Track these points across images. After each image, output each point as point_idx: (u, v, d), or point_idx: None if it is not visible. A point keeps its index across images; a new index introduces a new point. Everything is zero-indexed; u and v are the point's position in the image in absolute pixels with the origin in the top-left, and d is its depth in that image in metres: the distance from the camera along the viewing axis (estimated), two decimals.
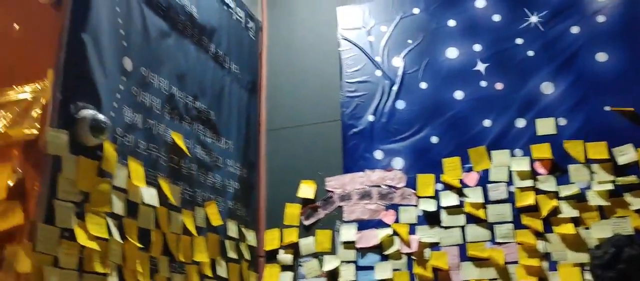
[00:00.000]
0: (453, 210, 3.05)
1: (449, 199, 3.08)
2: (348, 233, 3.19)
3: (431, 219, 3.09)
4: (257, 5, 3.83)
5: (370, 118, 3.37)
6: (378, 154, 3.31)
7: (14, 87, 2.07)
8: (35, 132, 1.95)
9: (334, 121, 3.44)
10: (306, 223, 3.31)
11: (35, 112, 1.98)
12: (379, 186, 3.24)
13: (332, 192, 3.32)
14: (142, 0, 2.59)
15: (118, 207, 2.25)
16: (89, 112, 2.11)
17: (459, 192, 3.07)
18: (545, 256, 2.81)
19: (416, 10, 3.48)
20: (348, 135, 3.39)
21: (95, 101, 2.19)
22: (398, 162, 3.26)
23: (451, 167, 3.14)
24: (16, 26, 2.17)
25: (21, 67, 2.10)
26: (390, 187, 3.22)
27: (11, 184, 1.89)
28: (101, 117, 2.14)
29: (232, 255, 3.02)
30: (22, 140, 1.95)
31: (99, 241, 2.08)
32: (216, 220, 2.92)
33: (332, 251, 3.20)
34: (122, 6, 2.43)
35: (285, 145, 3.53)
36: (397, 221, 3.14)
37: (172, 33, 2.80)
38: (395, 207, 3.18)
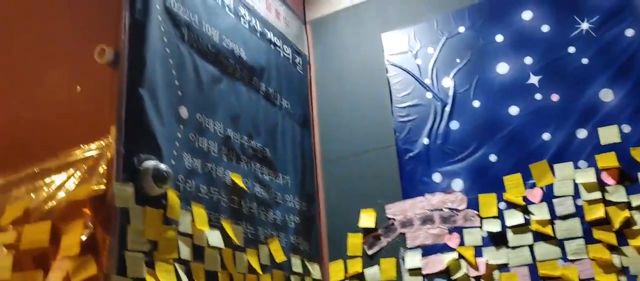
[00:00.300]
0: (519, 228, 2.96)
1: (514, 218, 2.99)
2: (413, 259, 3.15)
3: (497, 240, 3.01)
4: (303, 40, 3.89)
5: (425, 141, 3.34)
6: (436, 177, 3.26)
7: (81, 145, 2.17)
8: (102, 187, 2.03)
9: (389, 147, 3.43)
10: (369, 252, 3.28)
11: (102, 168, 2.06)
12: (441, 209, 3.19)
13: (393, 218, 3.29)
14: (193, 49, 2.68)
15: (185, 252, 2.30)
16: (151, 163, 2.19)
17: (524, 210, 2.98)
18: (623, 270, 2.68)
19: (461, 29, 3.45)
20: (404, 160, 3.37)
21: (156, 151, 2.27)
22: (457, 184, 3.20)
23: (513, 185, 3.06)
24: (78, 88, 2.28)
25: (85, 126, 2.21)
26: (451, 209, 3.16)
27: (84, 239, 1.97)
28: (163, 166, 2.21)
29: None
30: (91, 196, 2.04)
31: None
32: (280, 257, 2.94)
33: (398, 280, 3.15)
34: (174, 58, 2.52)
35: (342, 175, 3.53)
36: (462, 244, 3.07)
37: (224, 77, 2.88)
38: (458, 230, 3.11)
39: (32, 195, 2.16)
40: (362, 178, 3.45)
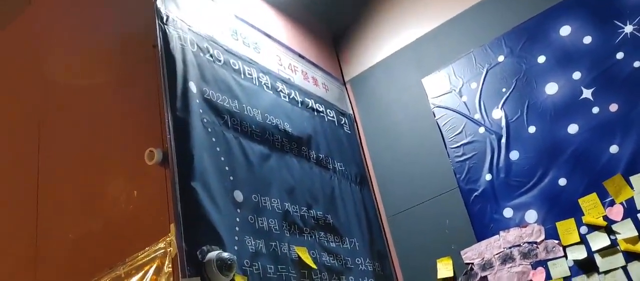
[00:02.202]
0: (607, 251, 2.77)
1: (599, 241, 2.81)
2: None
3: (586, 267, 2.82)
4: (345, 100, 3.91)
5: (488, 177, 3.23)
6: (507, 212, 3.13)
7: (145, 248, 2.22)
8: None
9: (452, 190, 3.34)
10: None
11: (168, 268, 2.09)
12: (519, 245, 3.03)
13: (471, 263, 3.15)
14: (238, 133, 2.73)
15: None
16: (213, 254, 2.20)
17: (608, 230, 2.80)
18: None
19: (501, 58, 3.38)
20: (470, 200, 3.25)
21: (217, 240, 2.28)
22: (531, 215, 3.05)
23: (591, 206, 2.89)
24: (135, 192, 2.36)
25: (147, 228, 2.26)
26: (530, 243, 3.01)
27: None
28: (226, 255, 2.22)
29: None
30: None
31: None
32: None
33: None
34: (221, 145, 2.57)
35: (410, 228, 3.44)
36: (549, 278, 2.90)
37: (272, 153, 2.91)
38: (542, 264, 2.94)
39: None
40: (431, 227, 3.35)
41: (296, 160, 3.08)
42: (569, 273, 2.85)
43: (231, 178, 2.55)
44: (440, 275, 3.21)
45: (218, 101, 2.70)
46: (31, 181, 2.91)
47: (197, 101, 2.55)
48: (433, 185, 3.42)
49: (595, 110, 2.99)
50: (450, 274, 3.19)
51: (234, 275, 2.24)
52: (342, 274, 2.97)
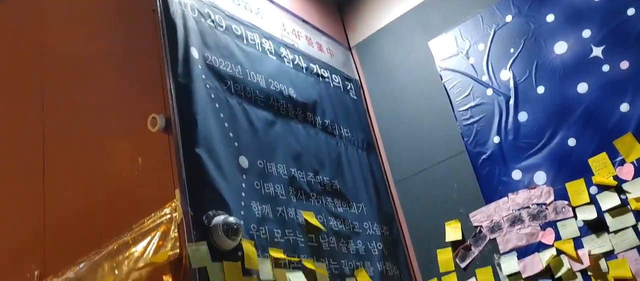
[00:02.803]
0: (617, 210, 2.75)
1: (609, 200, 2.78)
2: (510, 264, 2.97)
3: (596, 227, 2.80)
4: (351, 66, 3.86)
5: (496, 139, 3.19)
6: (516, 174, 3.10)
7: (151, 214, 2.21)
8: (177, 251, 2.05)
9: (460, 154, 3.31)
10: (462, 265, 3.13)
11: (173, 233, 2.09)
12: (528, 207, 3.01)
13: (479, 226, 3.13)
14: (241, 99, 2.71)
15: None
16: (219, 218, 2.19)
17: (618, 190, 2.77)
18: None
19: (509, 18, 3.31)
20: (478, 163, 3.23)
21: (223, 206, 2.28)
22: (540, 177, 3.02)
23: (601, 165, 2.85)
24: (139, 159, 2.34)
25: (152, 194, 2.25)
26: (539, 204, 2.98)
27: None
28: (232, 219, 2.21)
29: None
30: (169, 262, 2.06)
31: None
32: None
33: None
34: (224, 111, 2.55)
35: (418, 192, 3.42)
36: (558, 238, 2.88)
37: (277, 119, 2.88)
38: (552, 225, 2.92)
39: (115, 270, 2.21)
40: (439, 191, 3.33)
41: (301, 126, 3.06)
42: (578, 234, 2.83)
43: (236, 144, 2.53)
44: (448, 238, 3.20)
45: (221, 67, 2.67)
46: (37, 152, 2.90)
47: (199, 67, 2.52)
48: (441, 149, 3.39)
49: (606, 68, 2.93)
50: (459, 237, 3.18)
51: (240, 239, 2.23)
52: (350, 238, 2.97)
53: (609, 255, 2.73)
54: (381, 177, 3.51)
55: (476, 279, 3.06)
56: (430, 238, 3.27)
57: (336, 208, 2.99)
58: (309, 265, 2.56)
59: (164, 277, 2.06)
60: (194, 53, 2.52)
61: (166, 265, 2.07)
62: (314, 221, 2.75)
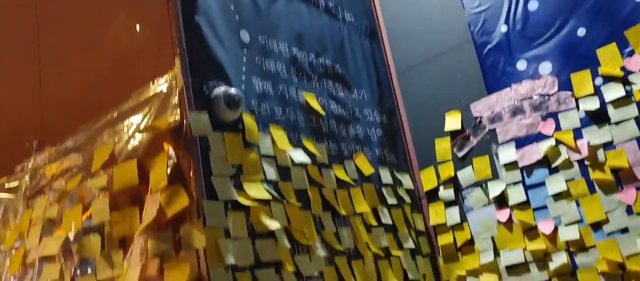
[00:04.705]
0: (621, 102, 2.72)
1: (614, 91, 2.74)
2: (507, 154, 2.98)
3: (597, 118, 2.78)
4: None
5: (503, 29, 3.11)
6: (521, 65, 3.05)
7: (151, 82, 2.17)
8: (177, 118, 2.02)
9: (465, 43, 3.23)
10: (459, 154, 3.15)
11: (174, 100, 2.05)
12: (530, 97, 2.98)
13: (480, 116, 3.12)
14: None
15: (270, 173, 2.28)
16: (221, 89, 2.15)
17: (624, 81, 2.73)
18: None
19: None
20: (484, 54, 3.16)
21: (224, 78, 2.23)
22: (545, 67, 2.97)
23: (609, 56, 2.80)
24: (138, 27, 2.27)
25: (151, 63, 2.20)
26: (542, 95, 2.95)
27: (169, 171, 1.98)
28: (233, 90, 2.17)
29: (391, 201, 2.96)
30: (169, 129, 2.04)
31: (262, 205, 2.13)
32: (367, 169, 2.87)
33: (495, 177, 3.01)
34: None
35: (420, 82, 3.37)
36: (558, 129, 2.87)
37: None
38: (553, 116, 2.90)
39: (115, 138, 2.19)
40: (442, 81, 3.28)
41: (304, 5, 2.96)
42: (579, 125, 2.82)
43: (237, 17, 2.45)
44: (447, 128, 3.19)
45: None
46: (31, 23, 2.81)
47: None
48: (445, 39, 3.31)
49: None
50: (458, 127, 3.17)
51: (241, 111, 2.20)
52: (350, 123, 2.95)
53: (608, 145, 2.73)
54: (383, 65, 3.45)
55: (473, 168, 3.08)
56: (430, 128, 3.26)
57: (337, 92, 2.95)
58: (308, 144, 2.56)
59: (165, 145, 2.05)
60: None
61: (167, 133, 2.05)
62: (314, 103, 2.71)
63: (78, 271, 2.18)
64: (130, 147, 2.13)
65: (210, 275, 1.85)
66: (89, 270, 2.13)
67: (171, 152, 2.00)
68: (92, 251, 2.08)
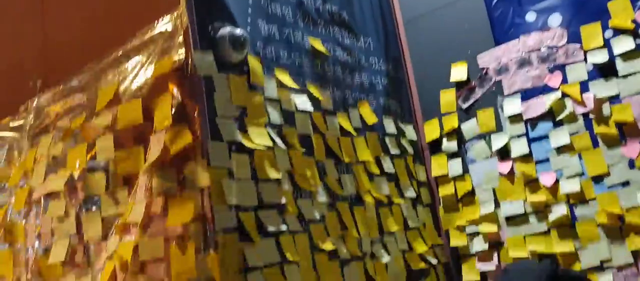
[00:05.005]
0: (630, 55, 2.68)
1: (623, 44, 2.70)
2: (512, 106, 2.97)
3: (605, 71, 2.75)
4: None
5: None
6: (530, 16, 3.00)
7: (156, 21, 2.14)
8: (182, 57, 2.01)
9: None
10: (464, 106, 3.13)
11: (179, 40, 2.03)
12: (538, 49, 2.94)
13: (486, 67, 3.09)
14: None
15: (275, 117, 2.28)
16: (226, 29, 2.13)
17: (634, 34, 2.68)
18: None
19: None
20: (492, 4, 3.11)
21: (229, 19, 2.20)
22: (555, 19, 2.92)
23: (620, 9, 2.75)
24: None
25: (155, 4, 2.17)
26: (550, 47, 2.91)
27: (174, 111, 1.97)
28: (239, 31, 2.15)
29: (394, 150, 2.96)
30: (173, 68, 2.02)
31: (265, 149, 2.13)
32: (371, 119, 2.87)
33: (499, 129, 3.00)
34: None
35: (427, 32, 3.32)
36: (565, 82, 2.85)
37: None
38: (560, 68, 2.87)
39: (119, 77, 2.18)
40: (449, 32, 3.24)
41: None
42: (586, 78, 2.80)
43: None
44: (453, 78, 3.17)
45: None
46: None
47: None
48: None
49: None
50: (464, 78, 3.14)
51: (246, 53, 2.19)
52: (355, 70, 2.93)
53: (614, 99, 2.71)
54: (390, 13, 3.40)
55: (477, 119, 3.07)
56: (435, 79, 3.23)
57: (343, 39, 2.92)
58: (313, 90, 2.54)
59: (169, 85, 2.04)
60: None
61: (171, 73, 2.04)
62: (320, 47, 2.69)
63: (83, 209, 2.20)
64: (134, 86, 2.12)
65: (214, 214, 1.87)
66: (94, 208, 2.16)
67: (175, 91, 1.99)
68: (97, 188, 2.10)
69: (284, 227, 2.12)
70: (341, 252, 2.36)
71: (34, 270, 2.28)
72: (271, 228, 2.06)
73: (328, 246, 2.29)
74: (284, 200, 2.14)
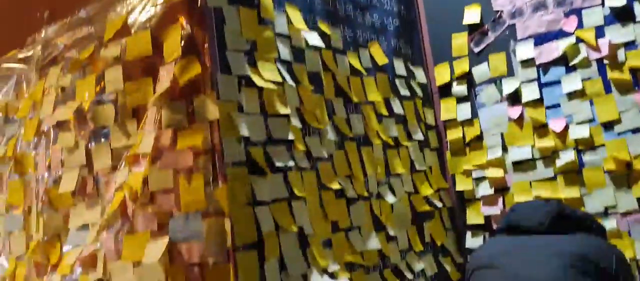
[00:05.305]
0: None
1: None
2: (525, 50, 2.92)
3: (623, 16, 2.69)
4: None
5: None
6: None
7: None
8: None
9: None
10: (476, 49, 3.09)
11: None
12: None
13: (500, 10, 3.03)
14: None
15: (285, 53, 2.25)
16: None
17: None
18: None
19: None
20: None
21: None
22: None
23: None
24: None
25: None
26: None
27: (183, 43, 1.95)
28: None
29: (404, 92, 2.94)
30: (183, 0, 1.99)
31: (275, 85, 2.12)
32: (381, 59, 2.83)
33: (510, 74, 2.97)
34: None
35: None
36: (580, 27, 2.79)
37: None
38: (577, 12, 2.81)
39: (128, 8, 2.15)
40: None
41: None
42: (602, 22, 2.73)
43: None
44: (466, 21, 3.11)
45: None
46: None
47: None
48: None
49: None
50: (477, 20, 3.08)
51: None
52: (366, 10, 2.88)
53: (630, 45, 2.66)
54: None
55: (488, 64, 3.03)
56: (447, 22, 3.17)
57: None
58: (324, 27, 2.50)
59: (179, 16, 2.01)
60: None
61: (180, 4, 2.01)
62: None
63: (92, 142, 2.21)
64: (143, 18, 2.09)
65: (223, 147, 1.87)
66: (103, 140, 2.16)
67: (185, 23, 1.96)
68: (107, 119, 2.10)
69: (291, 163, 2.12)
70: (348, 191, 2.38)
71: (44, 200, 2.30)
72: (279, 164, 2.07)
73: (335, 185, 2.30)
74: (291, 137, 2.14)
